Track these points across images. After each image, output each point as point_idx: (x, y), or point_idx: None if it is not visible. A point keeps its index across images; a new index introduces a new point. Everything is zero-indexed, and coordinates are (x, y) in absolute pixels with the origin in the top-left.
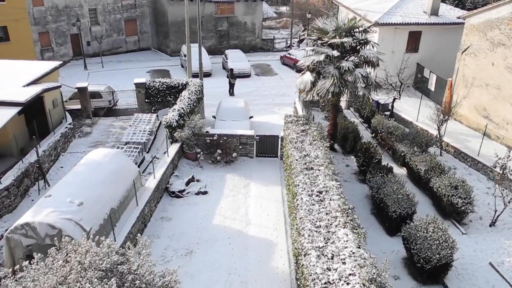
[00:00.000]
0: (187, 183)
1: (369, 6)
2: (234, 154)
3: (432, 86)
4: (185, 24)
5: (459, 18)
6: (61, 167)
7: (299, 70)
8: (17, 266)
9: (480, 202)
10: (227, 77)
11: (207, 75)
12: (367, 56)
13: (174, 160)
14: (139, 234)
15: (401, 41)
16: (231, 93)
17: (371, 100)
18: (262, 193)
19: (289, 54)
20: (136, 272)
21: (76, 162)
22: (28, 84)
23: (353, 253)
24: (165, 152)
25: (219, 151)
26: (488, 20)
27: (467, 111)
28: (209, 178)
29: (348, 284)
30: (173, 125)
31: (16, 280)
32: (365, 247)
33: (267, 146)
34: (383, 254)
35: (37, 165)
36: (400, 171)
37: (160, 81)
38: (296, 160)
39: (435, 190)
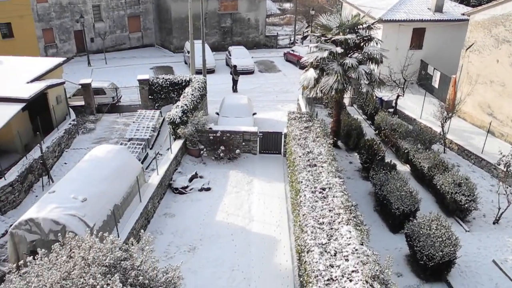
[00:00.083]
0: (190, 180)
1: (373, 3)
2: (237, 151)
3: (436, 83)
4: (189, 20)
5: (463, 14)
6: (65, 163)
7: (303, 67)
8: (21, 262)
9: (483, 200)
10: (231, 73)
11: (211, 71)
12: (370, 52)
13: (177, 157)
14: (142, 230)
15: (405, 38)
16: (235, 89)
17: (374, 97)
18: (265, 189)
19: (292, 50)
20: (139, 268)
21: (80, 158)
22: (32, 81)
23: (356, 250)
24: (168, 149)
25: (222, 147)
26: (493, 16)
27: (471, 108)
28: (212, 174)
29: (351, 281)
30: (176, 122)
31: (20, 276)
32: (368, 244)
33: (270, 143)
34: (386, 251)
35: (41, 161)
36: (403, 168)
37: (163, 78)
38: (299, 156)
39: (438, 187)
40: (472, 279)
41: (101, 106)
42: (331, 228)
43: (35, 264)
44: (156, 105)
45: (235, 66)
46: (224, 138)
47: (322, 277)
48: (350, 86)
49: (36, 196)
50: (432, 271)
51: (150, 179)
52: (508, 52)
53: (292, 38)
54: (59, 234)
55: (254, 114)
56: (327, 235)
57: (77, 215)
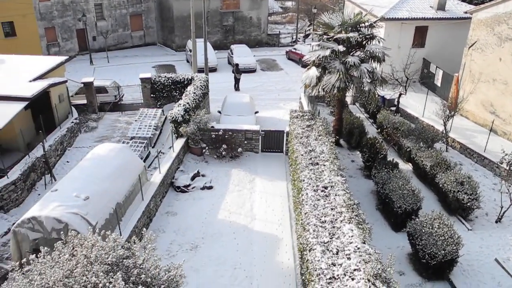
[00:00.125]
0: (193, 178)
1: (375, 1)
2: (240, 149)
3: (438, 82)
4: (191, 19)
5: (466, 12)
6: (67, 161)
7: (305, 65)
8: (24, 260)
9: (486, 198)
10: (233, 72)
11: (213, 70)
12: (373, 51)
13: (180, 155)
14: (144, 229)
15: (408, 36)
16: (237, 88)
17: (376, 96)
18: (267, 188)
19: (294, 49)
20: (141, 266)
21: (82, 156)
22: (35, 79)
23: (358, 248)
24: (170, 147)
25: (224, 146)
26: (496, 14)
27: (474, 107)
28: (215, 173)
29: (353, 279)
30: (178, 120)
31: (23, 273)
32: (370, 242)
33: (272, 141)
34: (388, 250)
35: (44, 160)
36: (405, 166)
37: (165, 76)
38: (302, 155)
39: (440, 186)
40: (475, 277)
41: (103, 105)
42: (333, 227)
43: (38, 262)
44: (158, 103)
45: (237, 65)
46: (226, 136)
47: (324, 276)
48: (352, 85)
49: (39, 194)
50: (434, 269)
51: (152, 177)
52: (511, 50)
53: (294, 37)
54: (62, 232)
55: (256, 112)
56: (329, 234)
57: (79, 213)
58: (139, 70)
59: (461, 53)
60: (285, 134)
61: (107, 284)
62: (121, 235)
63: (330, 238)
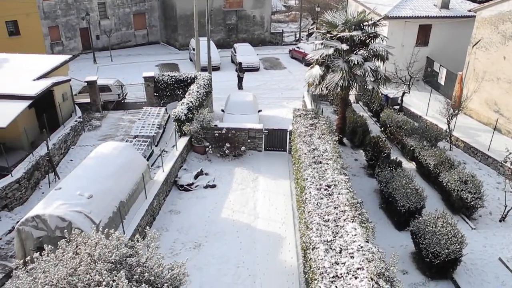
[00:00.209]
0: (196, 177)
1: None
2: (243, 148)
3: (442, 80)
4: (194, 17)
5: (470, 11)
6: (71, 160)
7: (308, 64)
8: (28, 258)
9: (490, 197)
10: (236, 70)
11: (216, 68)
12: (376, 49)
13: (183, 154)
14: (147, 227)
15: (411, 35)
16: (240, 86)
17: (380, 94)
18: (270, 186)
19: (298, 47)
20: (145, 264)
21: (86, 155)
22: (38, 78)
23: (362, 247)
24: (173, 146)
25: (227, 144)
26: (500, 13)
27: (478, 106)
28: (218, 171)
29: (356, 278)
30: (181, 119)
31: (27, 272)
32: (373, 241)
33: (275, 140)
34: (392, 249)
35: (47, 158)
36: (409, 165)
37: (168, 75)
38: (305, 154)
39: (444, 184)
40: (478, 276)
41: (106, 103)
42: (337, 225)
43: (42, 260)
44: (162, 102)
45: (240, 63)
46: (229, 135)
47: (327, 274)
48: (355, 83)
49: (43, 193)
50: (437, 268)
51: (156, 176)
52: None
53: (298, 35)
54: (65, 230)
55: (259, 111)
56: (333, 232)
57: (83, 211)
58: (143, 69)
59: (465, 51)
60: (288, 133)
61: (111, 282)
62: (124, 233)
63: (333, 237)
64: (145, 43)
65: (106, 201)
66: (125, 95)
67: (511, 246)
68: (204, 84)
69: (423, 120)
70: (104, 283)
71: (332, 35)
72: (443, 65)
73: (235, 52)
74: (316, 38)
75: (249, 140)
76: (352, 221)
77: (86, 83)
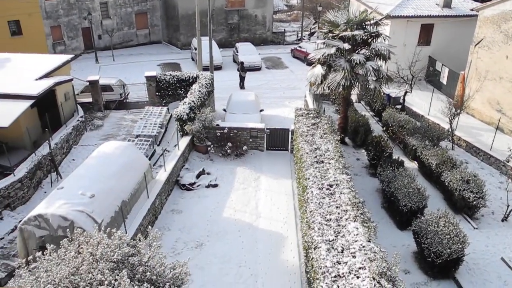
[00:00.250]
0: (198, 176)
1: None
2: (245, 147)
3: (444, 80)
4: (196, 17)
5: (472, 10)
6: (73, 159)
7: (310, 63)
8: (31, 257)
9: (492, 197)
10: (238, 70)
11: (218, 68)
12: (378, 49)
13: (185, 153)
14: (150, 226)
15: (413, 34)
16: (242, 86)
17: (382, 94)
18: (272, 186)
19: (299, 47)
20: (147, 264)
21: (88, 154)
22: (41, 78)
23: (363, 246)
24: (175, 145)
25: (229, 144)
26: (503, 12)
27: (480, 105)
28: (220, 171)
29: (358, 277)
30: (183, 118)
31: (29, 271)
32: (375, 241)
33: (277, 139)
34: (394, 248)
35: (50, 158)
36: (411, 165)
37: (170, 74)
38: (307, 153)
39: (446, 184)
40: (480, 276)
41: (108, 103)
42: (338, 225)
43: (44, 259)
44: (164, 101)
45: (242, 63)
46: (231, 134)
47: (329, 274)
48: (357, 83)
49: (45, 192)
50: (439, 268)
51: (158, 175)
52: None
53: (299, 35)
54: (68, 230)
55: (261, 110)
56: (334, 232)
57: (85, 211)
58: (144, 68)
59: (467, 50)
60: (290, 132)
61: (113, 281)
62: (126, 232)
63: (335, 236)
64: (147, 42)
65: (108, 200)
66: (127, 95)
67: None
68: (206, 83)
69: (425, 120)
70: (106, 282)
71: (334, 34)
72: (445, 64)
73: (237, 52)
74: (318, 37)
75: (251, 140)
76: (354, 221)
77: (88, 83)
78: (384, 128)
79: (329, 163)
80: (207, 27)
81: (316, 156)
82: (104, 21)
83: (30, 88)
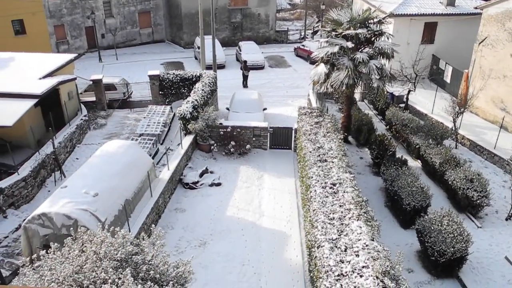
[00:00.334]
0: (201, 175)
1: None
2: (248, 146)
3: (447, 78)
4: (199, 16)
5: (476, 8)
6: (77, 158)
7: (313, 62)
8: (35, 255)
9: (496, 196)
10: (241, 69)
11: (221, 67)
12: (381, 47)
13: (188, 152)
14: (153, 225)
15: (417, 32)
16: (245, 85)
17: (385, 92)
18: (275, 185)
19: (303, 45)
20: (150, 262)
21: (91, 153)
22: (44, 77)
23: (367, 245)
24: (179, 144)
25: (232, 143)
26: (507, 10)
27: (484, 103)
28: (223, 170)
29: (361, 276)
30: (187, 117)
31: (33, 269)
32: (378, 239)
33: (280, 138)
34: (397, 247)
35: (53, 157)
36: (414, 163)
37: (174, 73)
38: (310, 152)
39: (450, 183)
40: (484, 275)
41: (112, 102)
42: (342, 224)
43: (48, 258)
44: (167, 100)
45: (245, 62)
46: (234, 133)
47: (333, 273)
48: (360, 81)
49: (49, 191)
50: (443, 267)
51: (161, 174)
52: None
53: (303, 33)
54: (71, 228)
55: (264, 109)
56: (338, 231)
57: (88, 210)
58: (148, 67)
59: (471, 49)
60: (293, 131)
61: (116, 280)
62: (130, 231)
63: (339, 235)
64: (150, 41)
65: (112, 199)
66: (131, 94)
67: None
68: (209, 82)
69: (428, 118)
70: (110, 280)
71: (337, 33)
72: (449, 62)
73: (240, 50)
74: (321, 36)
75: (254, 138)
76: (357, 219)
77: (91, 82)
78: (388, 126)
79: (333, 162)
80: (210, 26)
81: (319, 155)
82: (107, 20)
83: (34, 87)
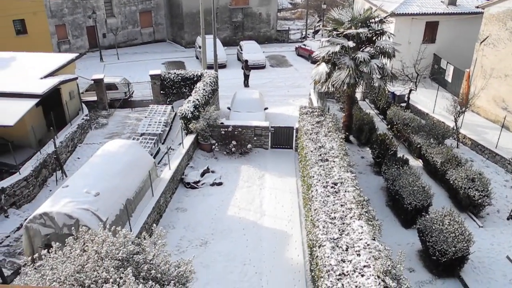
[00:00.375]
0: (202, 174)
1: None
2: (249, 146)
3: (449, 77)
4: (200, 15)
5: (478, 7)
6: (78, 158)
7: (314, 61)
8: (36, 255)
9: (497, 195)
10: (242, 68)
11: (222, 66)
12: (383, 47)
13: (189, 151)
14: (154, 225)
15: (418, 32)
16: (246, 84)
17: (387, 92)
18: (276, 184)
19: (304, 45)
20: (151, 261)
21: (93, 153)
22: (46, 76)
23: (368, 245)
24: (180, 143)
25: (234, 142)
26: (508, 9)
27: (485, 103)
28: (224, 169)
29: (362, 276)
30: (188, 117)
31: (35, 268)
32: (380, 239)
33: (282, 138)
34: (398, 246)
35: (55, 156)
36: (416, 163)
37: (175, 73)
38: (311, 151)
39: (451, 182)
40: (486, 275)
41: (113, 101)
42: (343, 223)
43: (50, 257)
44: (168, 100)
45: (246, 61)
46: (235, 133)
47: (334, 272)
48: (362, 81)
49: (50, 190)
50: (444, 266)
51: (162, 173)
52: None
53: (304, 33)
54: (73, 228)
55: (265, 109)
56: (339, 230)
57: (90, 209)
58: (149, 67)
59: (473, 48)
60: (294, 131)
61: (118, 279)
62: (131, 231)
63: (340, 235)
64: (151, 41)
65: (113, 198)
66: (132, 93)
67: None
68: (210, 82)
69: (430, 118)
70: (111, 280)
71: (338, 32)
72: (450, 62)
73: (241, 50)
74: (322, 35)
75: (255, 138)
76: (359, 219)
77: (92, 81)
78: (389, 126)
79: (334, 161)
80: (212, 25)
81: (320, 154)
82: (108, 20)
83: (35, 87)
